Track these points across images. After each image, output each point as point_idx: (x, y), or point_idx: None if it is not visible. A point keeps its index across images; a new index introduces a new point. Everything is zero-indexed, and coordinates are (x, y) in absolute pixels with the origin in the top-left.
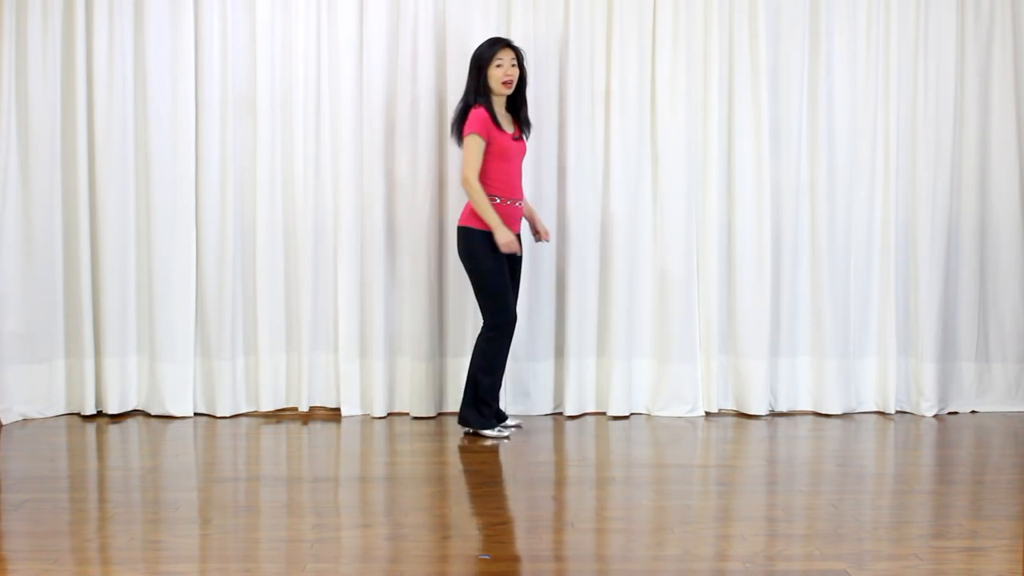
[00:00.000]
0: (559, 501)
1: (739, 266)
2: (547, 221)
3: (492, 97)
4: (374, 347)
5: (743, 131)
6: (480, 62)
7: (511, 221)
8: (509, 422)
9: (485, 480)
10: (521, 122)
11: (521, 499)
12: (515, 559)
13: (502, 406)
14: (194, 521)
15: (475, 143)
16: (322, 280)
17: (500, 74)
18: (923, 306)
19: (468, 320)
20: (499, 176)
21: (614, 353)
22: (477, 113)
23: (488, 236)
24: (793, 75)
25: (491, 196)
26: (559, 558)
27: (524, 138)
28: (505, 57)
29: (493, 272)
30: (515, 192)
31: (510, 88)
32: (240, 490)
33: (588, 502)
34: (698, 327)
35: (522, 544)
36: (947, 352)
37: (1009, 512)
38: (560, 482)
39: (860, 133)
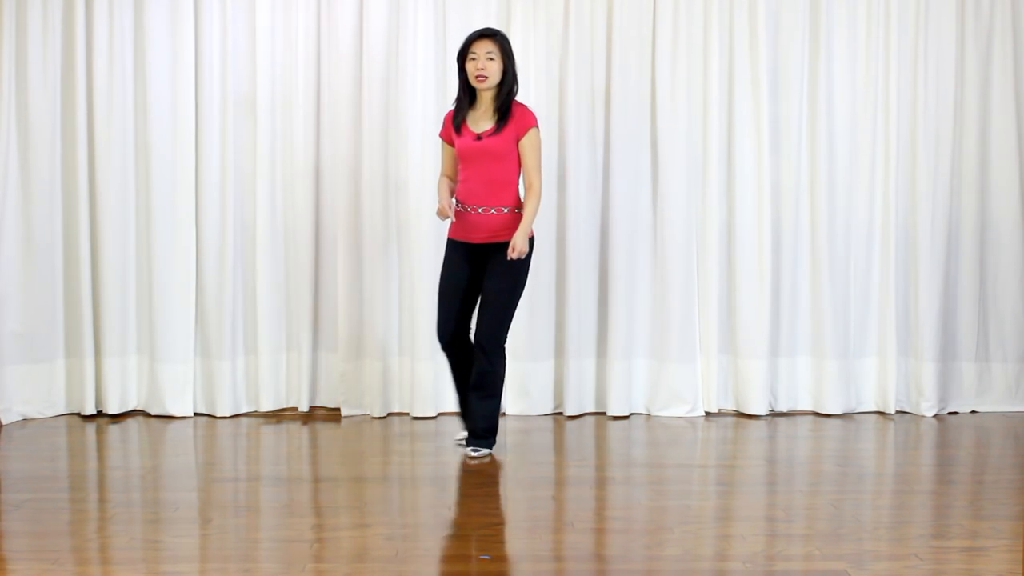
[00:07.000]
0: (559, 501)
1: (739, 266)
2: (547, 221)
3: (477, 93)
4: (374, 347)
5: (743, 131)
6: (459, 58)
7: (469, 229)
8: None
9: (485, 480)
10: (500, 118)
11: (521, 499)
12: (515, 559)
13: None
14: (194, 521)
15: (441, 146)
16: (322, 280)
17: (472, 68)
18: (923, 306)
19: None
20: (461, 180)
21: (614, 353)
22: (445, 115)
23: (447, 244)
24: (793, 75)
25: (456, 203)
26: (559, 558)
27: (499, 134)
28: (479, 50)
29: (441, 279)
30: (471, 198)
31: (483, 82)
32: (240, 490)
33: (588, 502)
34: (698, 327)
35: (522, 544)
36: (947, 352)
37: (1009, 512)
38: (560, 482)
39: (860, 133)
